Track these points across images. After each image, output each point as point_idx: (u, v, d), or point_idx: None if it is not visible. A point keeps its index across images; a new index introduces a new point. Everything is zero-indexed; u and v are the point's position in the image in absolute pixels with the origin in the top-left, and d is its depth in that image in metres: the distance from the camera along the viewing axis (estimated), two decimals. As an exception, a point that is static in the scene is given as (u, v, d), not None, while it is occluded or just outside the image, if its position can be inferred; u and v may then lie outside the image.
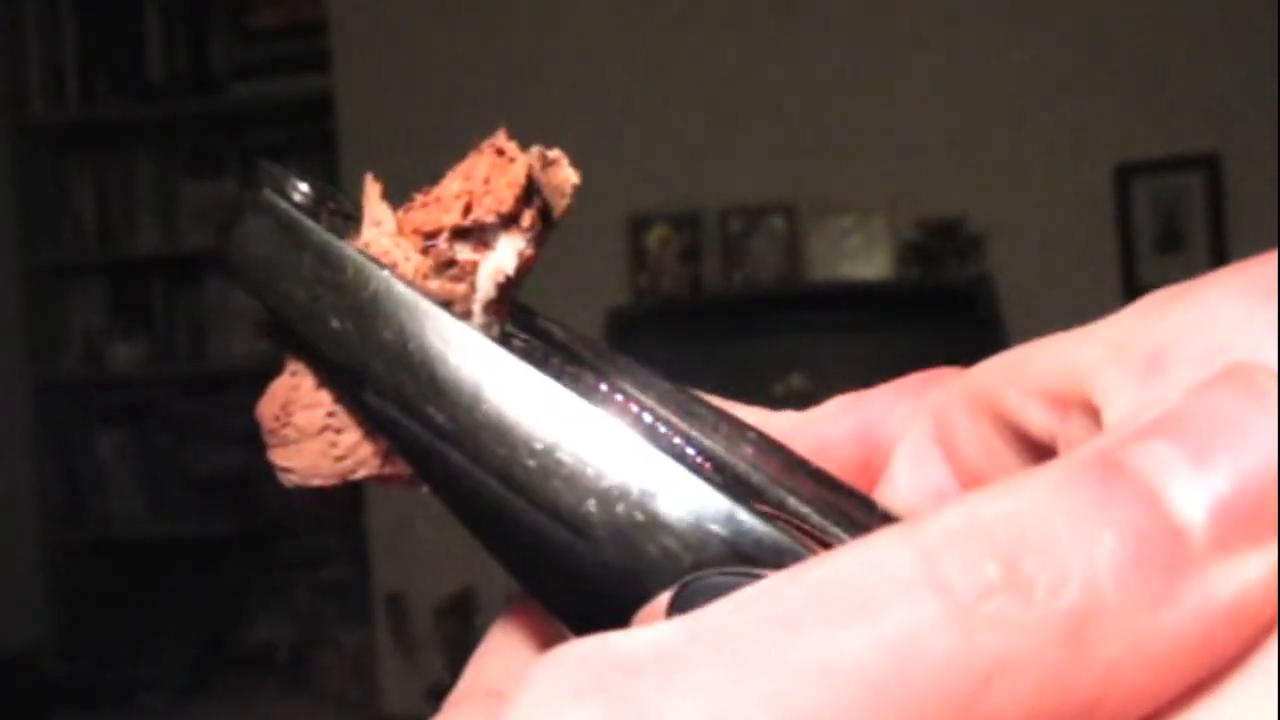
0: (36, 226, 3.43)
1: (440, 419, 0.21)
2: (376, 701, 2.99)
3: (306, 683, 3.21)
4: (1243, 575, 0.15)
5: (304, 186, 0.24)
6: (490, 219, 0.23)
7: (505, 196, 0.22)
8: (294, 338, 0.23)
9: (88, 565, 3.43)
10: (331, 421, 0.23)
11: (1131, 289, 2.74)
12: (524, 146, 0.23)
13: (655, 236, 2.85)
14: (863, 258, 2.80)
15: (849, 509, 0.22)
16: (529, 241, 0.23)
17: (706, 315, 2.84)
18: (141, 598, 3.40)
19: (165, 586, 3.42)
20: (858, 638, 0.14)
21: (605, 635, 0.16)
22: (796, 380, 2.61)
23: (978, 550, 0.15)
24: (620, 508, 0.20)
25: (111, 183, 3.47)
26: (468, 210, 0.23)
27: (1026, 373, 0.20)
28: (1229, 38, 2.65)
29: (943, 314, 2.70)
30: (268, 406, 0.24)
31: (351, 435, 0.23)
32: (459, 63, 2.92)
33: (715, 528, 0.19)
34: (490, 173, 0.23)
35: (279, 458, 0.24)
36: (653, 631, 0.16)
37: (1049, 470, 0.16)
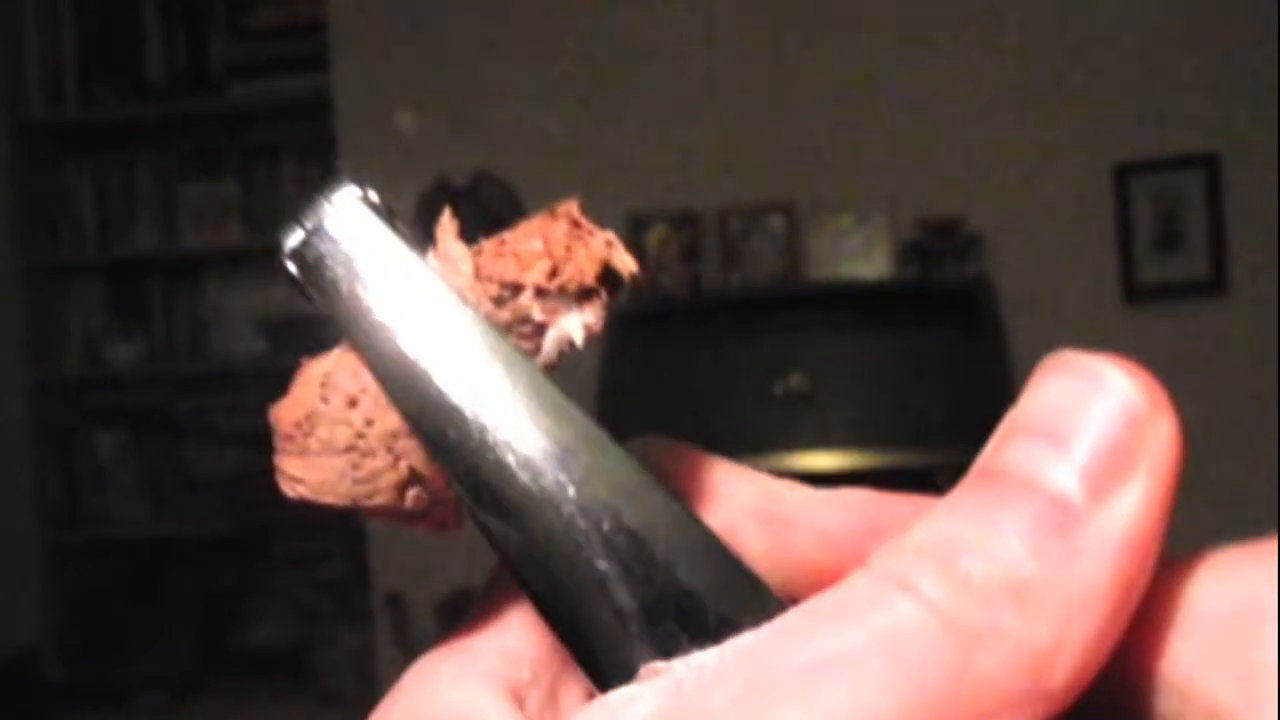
0: (36, 226, 3.43)
1: (507, 454, 0.22)
2: (376, 701, 2.98)
3: (306, 683, 3.21)
4: (1121, 511, 0.18)
5: (376, 200, 0.23)
6: (573, 287, 0.23)
7: (588, 270, 0.23)
8: (352, 348, 0.23)
9: (87, 565, 3.43)
10: (359, 443, 0.23)
11: (1131, 289, 2.74)
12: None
13: (655, 236, 2.85)
14: (862, 257, 2.80)
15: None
16: (598, 316, 0.23)
17: (706, 315, 2.84)
18: (141, 598, 3.40)
19: (165, 586, 3.42)
20: (863, 642, 0.18)
21: (645, 689, 0.19)
22: (796, 380, 2.61)
23: (922, 561, 0.18)
24: (664, 570, 0.21)
25: (111, 183, 3.47)
26: (553, 274, 0.23)
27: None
28: (1229, 38, 2.65)
29: (942, 314, 2.70)
30: (288, 412, 0.23)
31: (377, 461, 0.23)
32: (458, 63, 2.92)
33: (728, 589, 0.21)
34: (570, 241, 0.23)
35: (291, 466, 0.23)
36: (696, 659, 0.19)
37: (942, 500, 0.19)
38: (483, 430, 0.22)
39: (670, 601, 0.21)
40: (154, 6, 3.47)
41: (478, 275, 0.23)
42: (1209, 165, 2.71)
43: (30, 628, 3.31)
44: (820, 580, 0.24)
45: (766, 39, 2.83)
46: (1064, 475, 0.18)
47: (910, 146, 2.78)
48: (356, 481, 0.23)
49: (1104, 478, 0.18)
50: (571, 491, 0.21)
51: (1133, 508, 0.18)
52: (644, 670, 0.20)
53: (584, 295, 0.23)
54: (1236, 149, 2.67)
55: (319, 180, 0.24)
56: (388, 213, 0.23)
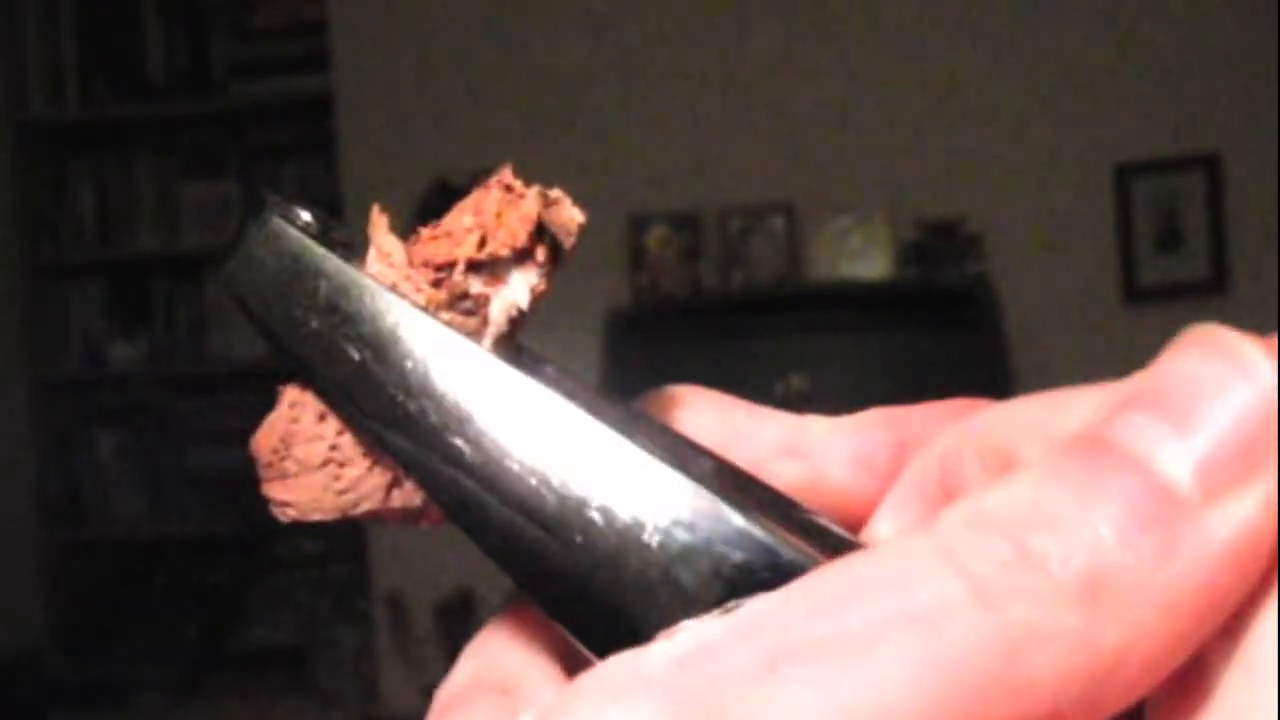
0: (36, 226, 3.43)
1: (466, 449, 0.21)
2: (376, 701, 2.99)
3: (306, 683, 3.21)
4: (1234, 515, 0.16)
5: (307, 216, 0.24)
6: (505, 253, 0.23)
7: (519, 231, 0.23)
8: (300, 369, 0.23)
9: (88, 565, 3.43)
10: (334, 455, 0.23)
11: (1131, 289, 2.74)
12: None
13: (655, 236, 2.85)
14: (862, 258, 2.80)
15: (816, 537, 0.22)
16: (541, 276, 0.23)
17: (706, 315, 2.84)
18: (141, 598, 3.40)
19: (165, 586, 3.42)
20: (891, 621, 0.16)
21: (645, 647, 0.17)
22: (796, 380, 2.61)
23: (988, 534, 0.16)
24: (645, 535, 0.20)
25: (111, 183, 3.47)
26: (483, 244, 0.23)
27: (1045, 425, 0.20)
28: (1229, 38, 2.65)
29: (942, 314, 2.70)
30: (265, 440, 0.24)
31: (355, 469, 0.23)
32: (459, 63, 2.92)
33: (740, 554, 0.20)
34: (501, 208, 0.23)
35: (276, 492, 0.24)
36: (692, 631, 0.17)
37: (1040, 461, 0.17)
38: (426, 424, 0.22)
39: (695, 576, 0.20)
40: (155, 7, 3.47)
41: (411, 263, 0.23)
42: (1209, 165, 2.71)
43: (30, 627, 3.31)
44: (854, 506, 0.24)
45: (767, 39, 2.83)
46: (1178, 462, 0.16)
47: (910, 147, 2.78)
48: (339, 493, 0.23)
49: (1222, 473, 0.16)
50: (523, 466, 0.21)
51: (1247, 514, 0.16)
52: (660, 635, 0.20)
53: (521, 258, 0.23)
54: (1237, 149, 2.67)
55: (267, 193, 0.24)
56: (320, 223, 0.24)
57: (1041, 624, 0.15)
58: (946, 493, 0.22)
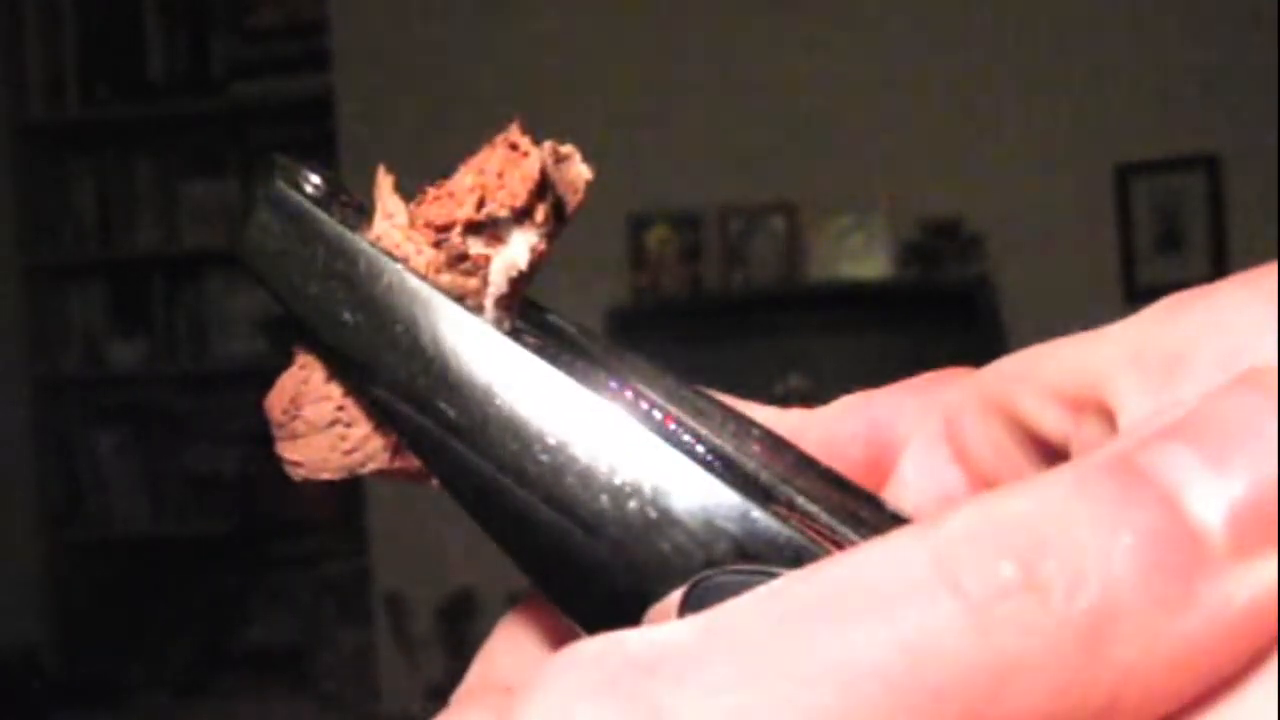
0: (36, 226, 3.43)
1: (452, 413, 0.21)
2: (376, 701, 2.99)
3: (306, 683, 3.21)
4: (1259, 578, 0.15)
5: (316, 179, 0.24)
6: (504, 213, 0.22)
7: (519, 191, 0.22)
8: (305, 331, 0.23)
9: (88, 565, 3.43)
10: (341, 415, 0.23)
11: (1131, 289, 2.74)
12: (536, 142, 0.23)
13: (655, 236, 2.85)
14: (863, 257, 2.80)
15: (857, 509, 0.22)
16: (542, 236, 0.23)
17: (706, 315, 2.84)
18: (141, 598, 3.40)
19: (165, 586, 3.42)
20: (872, 638, 0.15)
21: (619, 634, 0.16)
22: (796, 380, 2.61)
23: (994, 551, 0.15)
24: (633, 504, 0.20)
25: (111, 183, 3.47)
26: (481, 204, 0.22)
27: (1041, 374, 0.20)
28: (1229, 38, 2.65)
29: (942, 314, 2.70)
30: (276, 399, 0.24)
31: (361, 429, 0.23)
32: (459, 62, 2.92)
33: (728, 525, 0.19)
34: (504, 167, 0.23)
35: (287, 451, 0.24)
36: (666, 630, 0.16)
37: (1065, 472, 0.16)
38: (416, 389, 0.22)
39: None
40: (155, 7, 3.47)
41: (413, 224, 0.23)
42: (1209, 166, 2.71)
43: (30, 627, 3.31)
44: None
45: (767, 39, 2.83)
46: (1212, 506, 0.15)
47: (910, 147, 2.78)
48: (346, 453, 0.23)
49: (1257, 527, 0.15)
50: (509, 431, 0.21)
51: (1271, 580, 0.15)
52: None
53: (521, 218, 0.23)
54: (1237, 149, 2.67)
55: (268, 175, 0.24)
56: (329, 184, 0.24)
57: (1033, 659, 0.14)
58: (955, 450, 0.22)
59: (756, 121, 2.83)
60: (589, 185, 0.23)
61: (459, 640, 2.78)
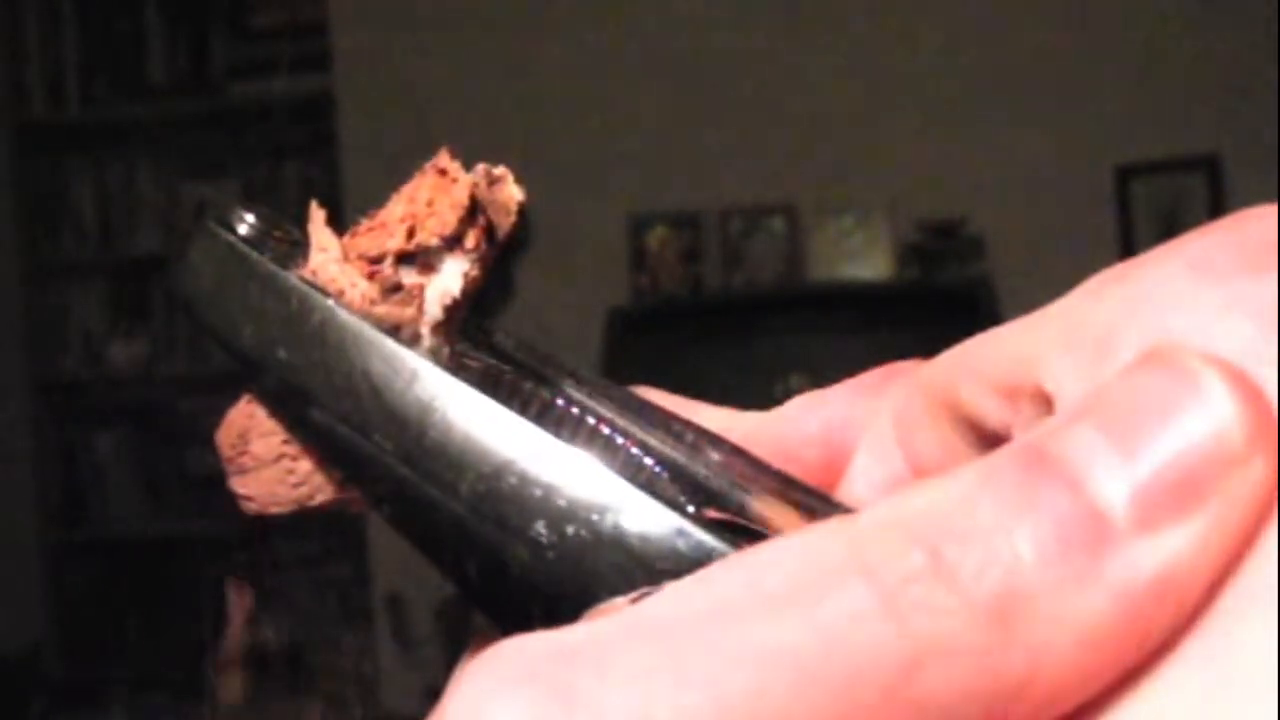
0: (36, 226, 3.43)
1: (388, 445, 0.21)
2: (376, 701, 2.99)
3: (306, 683, 3.21)
4: (1164, 549, 0.15)
5: (250, 217, 0.24)
6: (434, 242, 0.22)
7: (448, 219, 0.22)
8: (245, 368, 0.24)
9: (88, 565, 3.43)
10: (287, 449, 0.23)
11: (1131, 289, 2.74)
12: (466, 167, 0.23)
13: (655, 236, 2.85)
14: (863, 258, 2.80)
15: (811, 511, 0.22)
16: (474, 263, 0.23)
17: (706, 315, 2.84)
18: (141, 598, 3.40)
19: (165, 586, 3.42)
20: (788, 623, 0.15)
21: (544, 632, 0.16)
22: (796, 380, 2.61)
23: (905, 539, 0.15)
24: (570, 528, 0.20)
25: (111, 183, 3.47)
26: (411, 234, 0.23)
27: (978, 365, 0.20)
28: (1229, 38, 2.65)
29: (943, 315, 2.70)
30: (225, 435, 0.24)
31: (307, 463, 0.23)
32: (459, 63, 2.92)
33: (665, 543, 0.19)
34: (433, 194, 0.23)
35: (238, 485, 0.24)
36: (591, 625, 0.16)
37: (980, 463, 0.16)
38: (352, 422, 0.22)
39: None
40: (155, 7, 3.47)
41: (347, 257, 0.23)
42: (1210, 167, 2.71)
43: (30, 627, 3.31)
44: None
45: (766, 39, 2.83)
46: (1115, 486, 0.15)
47: (911, 147, 2.78)
48: (294, 485, 0.24)
49: (1159, 504, 0.15)
50: (442, 460, 0.21)
51: (1178, 549, 0.15)
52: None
53: (452, 245, 0.23)
54: (1238, 150, 2.67)
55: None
56: (264, 223, 0.24)
57: (945, 640, 0.15)
58: (905, 448, 0.22)
59: (756, 122, 2.83)
60: (522, 206, 0.23)
61: (458, 640, 2.78)
